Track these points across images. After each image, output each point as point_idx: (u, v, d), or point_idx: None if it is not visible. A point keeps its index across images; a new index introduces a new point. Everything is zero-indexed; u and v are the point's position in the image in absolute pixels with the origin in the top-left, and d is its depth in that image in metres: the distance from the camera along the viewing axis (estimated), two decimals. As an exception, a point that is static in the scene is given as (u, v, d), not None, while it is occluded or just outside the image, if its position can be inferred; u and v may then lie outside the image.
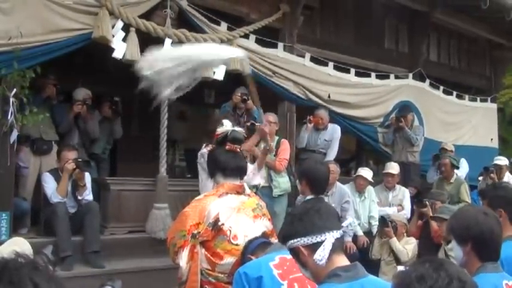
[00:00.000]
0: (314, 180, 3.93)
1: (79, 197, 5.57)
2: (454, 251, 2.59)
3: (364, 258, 5.54)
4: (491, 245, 2.43)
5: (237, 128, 3.57)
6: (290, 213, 2.26)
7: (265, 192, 5.80)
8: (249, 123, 5.80)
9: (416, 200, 5.97)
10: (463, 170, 8.29)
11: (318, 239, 2.00)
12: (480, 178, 8.35)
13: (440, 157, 7.81)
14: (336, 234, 2.03)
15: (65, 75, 6.57)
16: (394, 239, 5.61)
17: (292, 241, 2.06)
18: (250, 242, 3.04)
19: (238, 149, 3.50)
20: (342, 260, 2.03)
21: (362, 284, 1.96)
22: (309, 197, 3.90)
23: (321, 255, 1.96)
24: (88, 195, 5.65)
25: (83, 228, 5.47)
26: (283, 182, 6.06)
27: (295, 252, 2.07)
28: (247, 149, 5.27)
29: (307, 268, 2.06)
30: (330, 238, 1.99)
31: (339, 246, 2.04)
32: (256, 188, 4.58)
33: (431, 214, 5.59)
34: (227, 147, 3.44)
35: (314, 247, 1.99)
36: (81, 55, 5.75)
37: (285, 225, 2.17)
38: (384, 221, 5.80)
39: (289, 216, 2.20)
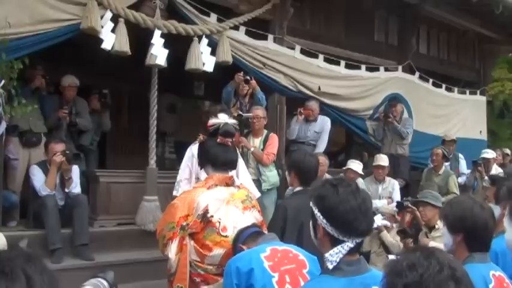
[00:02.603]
0: (303, 172, 3.92)
1: (66, 190, 5.55)
2: (444, 238, 2.58)
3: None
4: (483, 238, 2.43)
5: (229, 121, 3.55)
6: (332, 184, 2.06)
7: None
8: (236, 114, 5.80)
9: (397, 203, 5.92)
10: (463, 164, 8.39)
11: (340, 237, 1.96)
12: (468, 171, 8.40)
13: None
14: (359, 239, 1.99)
15: (53, 67, 6.53)
16: (385, 232, 5.62)
17: (317, 213, 2.02)
18: (241, 231, 3.03)
19: (229, 142, 3.49)
20: (350, 257, 1.99)
21: (363, 279, 1.95)
22: (298, 188, 3.90)
23: (333, 258, 1.93)
24: (75, 188, 5.62)
25: (71, 221, 5.44)
26: (272, 176, 6.06)
27: (314, 218, 2.04)
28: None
29: (317, 240, 2.06)
30: (350, 243, 1.96)
31: (355, 249, 1.99)
32: None
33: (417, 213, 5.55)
34: (218, 140, 3.42)
35: (333, 237, 1.97)
36: (70, 46, 5.70)
37: (322, 194, 2.05)
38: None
39: (330, 187, 2.04)
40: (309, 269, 2.60)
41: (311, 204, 2.07)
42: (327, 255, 1.94)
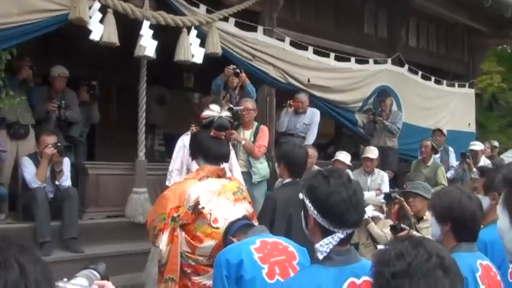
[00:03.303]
0: (292, 163, 3.93)
1: (56, 183, 5.52)
2: (432, 228, 2.61)
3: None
4: (470, 228, 2.45)
5: (223, 114, 3.52)
6: (322, 174, 2.06)
7: (244, 178, 5.81)
8: (226, 108, 5.77)
9: (385, 194, 5.94)
10: (452, 157, 8.44)
11: (331, 228, 1.96)
12: (457, 163, 8.46)
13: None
14: (350, 231, 1.99)
15: (41, 58, 6.48)
16: (372, 223, 5.64)
17: (308, 203, 2.02)
18: (232, 223, 3.03)
19: (223, 136, 3.47)
20: (340, 247, 2.00)
21: (353, 269, 1.96)
22: (287, 180, 3.91)
23: (323, 249, 1.93)
24: (65, 181, 5.59)
25: (61, 214, 5.42)
26: (262, 168, 6.07)
27: (305, 209, 2.04)
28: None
29: (308, 230, 2.07)
30: (341, 234, 1.96)
31: (346, 240, 1.99)
32: None
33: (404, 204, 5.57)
34: (212, 133, 3.39)
35: (324, 228, 1.97)
36: (58, 37, 5.66)
37: (313, 183, 2.05)
38: None
39: (321, 178, 2.04)
40: (298, 261, 2.60)
41: (302, 195, 2.07)
42: (317, 245, 1.94)
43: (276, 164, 4.17)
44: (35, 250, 1.17)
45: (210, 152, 3.37)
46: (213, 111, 3.48)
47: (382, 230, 5.62)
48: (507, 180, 1.79)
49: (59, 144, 5.50)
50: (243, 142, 5.95)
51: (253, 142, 6.01)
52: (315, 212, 1.99)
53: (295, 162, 3.92)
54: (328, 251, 1.93)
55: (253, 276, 2.52)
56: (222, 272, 2.58)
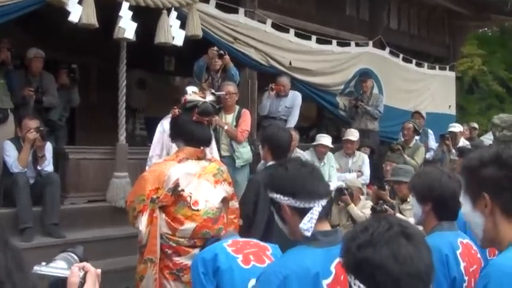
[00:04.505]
0: (276, 146, 3.93)
1: (39, 168, 5.45)
2: (414, 209, 2.63)
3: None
4: (451, 206, 2.46)
5: (208, 99, 3.49)
6: (283, 165, 2.14)
7: (227, 161, 5.80)
8: (209, 92, 5.74)
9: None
10: (431, 138, 8.50)
11: (306, 205, 1.97)
12: (436, 145, 8.53)
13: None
14: (324, 202, 2.01)
15: (20, 40, 6.36)
16: (352, 205, 5.70)
17: (278, 196, 2.03)
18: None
19: (205, 121, 3.45)
20: (323, 225, 2.02)
21: (339, 250, 1.97)
22: (270, 163, 3.90)
23: (307, 225, 1.93)
24: (48, 166, 5.53)
25: (42, 200, 5.35)
26: (245, 153, 6.04)
27: (277, 206, 2.05)
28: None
29: (287, 225, 2.06)
30: (318, 207, 1.97)
31: (324, 213, 2.01)
32: None
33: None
34: (194, 118, 3.37)
35: (300, 210, 1.98)
36: (37, 19, 5.56)
37: (275, 176, 2.11)
38: (340, 190, 5.86)
39: (282, 168, 2.11)
40: (272, 252, 2.67)
41: (270, 194, 2.08)
42: (301, 225, 1.93)
43: (259, 147, 4.17)
44: (4, 233, 1.13)
45: (192, 136, 3.36)
46: (195, 95, 3.47)
47: (362, 211, 5.69)
48: (465, 168, 1.82)
49: (41, 128, 5.42)
50: (226, 127, 5.90)
51: (235, 126, 5.97)
52: (286, 198, 2.00)
53: (279, 145, 3.92)
54: (312, 226, 1.93)
55: (229, 265, 2.57)
56: (198, 270, 2.64)
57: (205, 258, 2.65)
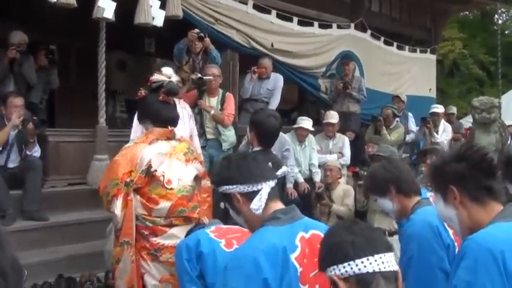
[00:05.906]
0: (263, 133, 3.91)
1: (28, 152, 5.40)
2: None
3: (305, 204, 5.68)
4: (409, 181, 2.65)
5: (174, 79, 3.50)
6: (226, 158, 2.29)
7: (212, 144, 5.81)
8: (195, 77, 5.70)
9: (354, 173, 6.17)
10: (411, 121, 8.57)
11: (255, 188, 2.03)
12: (416, 128, 8.59)
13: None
14: (272, 183, 2.06)
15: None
16: (334, 205, 5.76)
17: (227, 187, 2.07)
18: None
19: (171, 101, 3.46)
20: (278, 206, 2.06)
21: (301, 224, 2.01)
22: (256, 148, 3.90)
23: (258, 204, 1.99)
24: (36, 152, 5.48)
25: (24, 185, 5.30)
26: (231, 136, 6.02)
27: (229, 198, 2.09)
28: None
29: (241, 214, 2.10)
30: (266, 188, 2.03)
31: (274, 194, 2.06)
32: None
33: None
34: (160, 97, 3.39)
35: (250, 195, 2.02)
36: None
37: (221, 169, 2.17)
38: (319, 195, 5.94)
39: (225, 160, 2.22)
40: None
41: (220, 190, 2.14)
42: (251, 206, 1.99)
43: (247, 129, 4.13)
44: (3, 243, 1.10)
45: (159, 115, 3.40)
46: (163, 75, 3.47)
47: (345, 202, 5.76)
48: (431, 168, 2.02)
49: (34, 118, 5.41)
50: (212, 112, 5.84)
51: (220, 110, 5.92)
52: (234, 186, 2.05)
53: (266, 132, 3.91)
54: (262, 204, 1.99)
55: (212, 249, 2.63)
56: (182, 257, 2.70)
57: (189, 244, 2.70)
